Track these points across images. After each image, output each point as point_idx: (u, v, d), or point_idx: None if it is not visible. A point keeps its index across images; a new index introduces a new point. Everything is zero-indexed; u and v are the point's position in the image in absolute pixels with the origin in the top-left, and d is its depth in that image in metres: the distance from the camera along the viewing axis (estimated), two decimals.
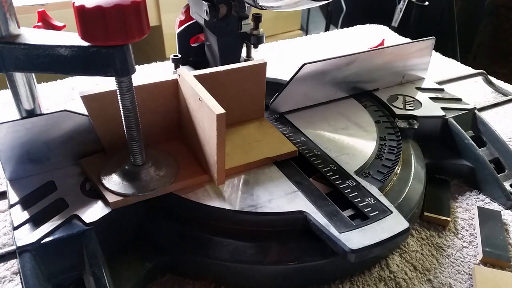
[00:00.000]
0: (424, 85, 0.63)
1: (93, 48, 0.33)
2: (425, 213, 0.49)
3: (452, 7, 1.41)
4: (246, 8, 0.54)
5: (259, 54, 0.82)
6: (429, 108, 0.57)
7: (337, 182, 0.43)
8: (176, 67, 0.60)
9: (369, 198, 0.41)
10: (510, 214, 0.51)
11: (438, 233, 0.48)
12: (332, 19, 1.84)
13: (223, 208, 0.40)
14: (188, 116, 0.43)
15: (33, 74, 0.41)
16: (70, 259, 0.38)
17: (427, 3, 1.45)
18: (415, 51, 0.60)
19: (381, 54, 0.57)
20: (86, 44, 0.33)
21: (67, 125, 0.42)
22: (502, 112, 0.70)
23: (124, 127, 0.38)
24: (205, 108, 0.38)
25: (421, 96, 0.59)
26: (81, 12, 0.31)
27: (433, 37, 0.60)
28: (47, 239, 0.36)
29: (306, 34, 1.29)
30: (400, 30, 1.27)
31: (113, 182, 0.41)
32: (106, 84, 0.42)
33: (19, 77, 0.40)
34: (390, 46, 0.57)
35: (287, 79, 0.52)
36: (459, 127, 0.55)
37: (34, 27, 0.46)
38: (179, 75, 0.43)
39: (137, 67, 0.63)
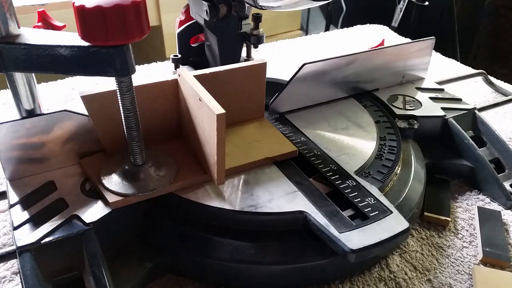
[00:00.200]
0: (424, 85, 0.63)
1: (93, 48, 0.33)
2: (425, 213, 0.49)
3: (452, 7, 1.41)
4: (246, 8, 0.54)
5: (259, 54, 0.82)
6: (429, 108, 0.57)
7: (337, 182, 0.43)
8: (176, 67, 0.60)
9: (369, 198, 0.41)
10: (510, 214, 0.51)
11: (438, 233, 0.48)
12: (332, 19, 1.84)
13: (223, 208, 0.40)
14: (188, 116, 0.43)
15: (33, 74, 0.41)
16: (70, 259, 0.38)
17: (427, 3, 1.45)
18: (415, 51, 0.60)
19: (381, 54, 0.57)
20: (86, 44, 0.33)
21: (67, 125, 0.42)
22: (502, 112, 0.70)
23: (124, 127, 0.38)
24: (205, 108, 0.38)
25: (421, 96, 0.59)
26: (81, 12, 0.31)
27: (433, 37, 0.60)
28: (47, 239, 0.36)
29: (306, 34, 1.29)
30: (400, 30, 1.27)
31: (113, 182, 0.41)
32: (106, 84, 0.42)
33: (19, 77, 0.40)
34: (390, 46, 0.57)
35: (287, 79, 0.52)
36: (459, 127, 0.55)
37: (34, 27, 0.46)
38: (179, 75, 0.43)
39: (137, 67, 0.63)
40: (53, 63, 0.35)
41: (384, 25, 1.06)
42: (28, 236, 0.36)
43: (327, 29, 1.83)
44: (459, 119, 0.56)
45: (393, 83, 0.62)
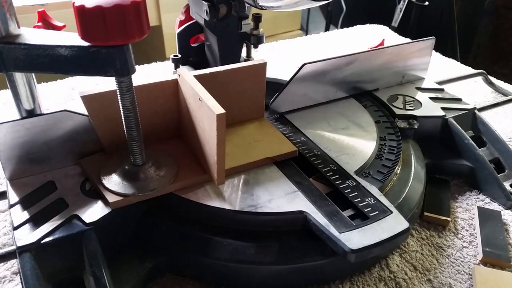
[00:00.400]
0: (424, 85, 0.63)
1: (93, 48, 0.33)
2: (425, 213, 0.49)
3: (452, 7, 1.41)
4: (246, 8, 0.54)
5: (259, 54, 0.82)
6: (429, 108, 0.57)
7: (337, 182, 0.43)
8: (176, 67, 0.60)
9: (369, 198, 0.41)
10: (510, 214, 0.51)
11: (438, 233, 0.48)
12: (332, 19, 1.84)
13: (223, 208, 0.40)
14: (188, 116, 0.43)
15: (33, 74, 0.41)
16: (70, 259, 0.38)
17: (427, 3, 1.45)
18: (415, 51, 0.60)
19: (381, 54, 0.57)
20: (86, 44, 0.33)
21: (67, 125, 0.42)
22: (502, 112, 0.70)
23: (124, 127, 0.38)
24: (205, 108, 0.38)
25: (421, 96, 0.59)
26: (81, 12, 0.31)
27: (433, 37, 0.60)
28: (47, 239, 0.36)
29: (306, 34, 1.29)
30: (400, 30, 1.27)
31: (113, 182, 0.41)
32: (106, 84, 0.42)
33: (19, 77, 0.40)
34: (390, 46, 0.57)
35: (287, 79, 0.52)
36: (459, 127, 0.55)
37: (34, 27, 0.46)
38: (179, 75, 0.43)
39: (137, 67, 0.63)
40: (53, 63, 0.35)
41: (384, 25, 1.06)
42: (28, 236, 0.36)
43: (327, 29, 1.83)
44: (459, 119, 0.56)
45: (393, 83, 0.62)
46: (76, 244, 0.37)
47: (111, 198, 0.39)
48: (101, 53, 0.33)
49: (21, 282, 0.35)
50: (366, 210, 0.40)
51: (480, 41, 1.70)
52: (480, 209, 0.50)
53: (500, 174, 0.53)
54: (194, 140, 0.43)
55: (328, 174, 0.44)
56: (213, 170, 0.40)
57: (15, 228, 0.37)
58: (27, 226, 0.38)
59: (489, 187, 0.53)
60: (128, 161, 0.41)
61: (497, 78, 0.81)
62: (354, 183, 0.43)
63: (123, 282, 0.38)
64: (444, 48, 1.32)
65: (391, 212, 0.40)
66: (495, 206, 0.52)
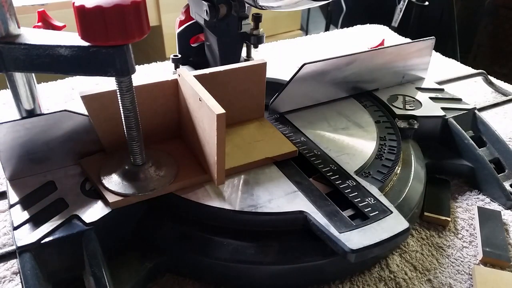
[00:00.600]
0: (424, 85, 0.63)
1: (93, 48, 0.33)
2: (425, 213, 0.49)
3: (452, 7, 1.41)
4: (246, 8, 0.54)
5: (259, 54, 0.82)
6: (429, 108, 0.57)
7: (337, 182, 0.43)
8: (176, 67, 0.60)
9: (369, 198, 0.41)
10: (510, 214, 0.51)
11: (438, 233, 0.48)
12: (332, 19, 1.84)
13: (223, 208, 0.40)
14: (188, 116, 0.43)
15: (33, 74, 0.41)
16: (70, 259, 0.38)
17: (427, 3, 1.45)
18: (415, 51, 0.60)
19: (381, 54, 0.57)
20: (86, 44, 0.33)
21: (67, 125, 0.42)
22: (502, 112, 0.70)
23: (124, 127, 0.38)
24: (205, 108, 0.38)
25: (421, 96, 0.59)
26: (81, 12, 0.31)
27: (433, 37, 0.60)
28: (47, 239, 0.36)
29: (306, 34, 1.29)
30: (400, 30, 1.27)
31: (113, 182, 0.41)
32: (106, 84, 0.42)
33: (19, 77, 0.40)
34: (390, 46, 0.57)
35: (287, 79, 0.52)
36: (459, 127, 0.55)
37: (34, 27, 0.46)
38: (179, 75, 0.43)
39: (137, 67, 0.63)
40: (53, 63, 0.35)
41: (384, 25, 1.06)
42: (28, 236, 0.36)
43: (327, 29, 1.83)
44: (459, 119, 0.56)
45: (393, 83, 0.62)
46: (76, 244, 0.37)
47: (111, 198, 0.39)
48: (101, 53, 0.33)
49: (21, 282, 0.35)
50: (366, 210, 0.40)
51: (480, 41, 1.70)
52: (480, 209, 0.50)
53: (500, 174, 0.53)
54: (194, 140, 0.43)
55: (328, 174, 0.44)
56: (213, 170, 0.40)
57: (15, 228, 0.37)
58: (27, 226, 0.38)
59: (489, 187, 0.53)
60: (128, 161, 0.41)
61: (497, 78, 0.81)
62: (354, 183, 0.43)
63: (123, 282, 0.38)
64: (444, 48, 1.32)
65: (391, 212, 0.40)
66: (495, 206, 0.52)
